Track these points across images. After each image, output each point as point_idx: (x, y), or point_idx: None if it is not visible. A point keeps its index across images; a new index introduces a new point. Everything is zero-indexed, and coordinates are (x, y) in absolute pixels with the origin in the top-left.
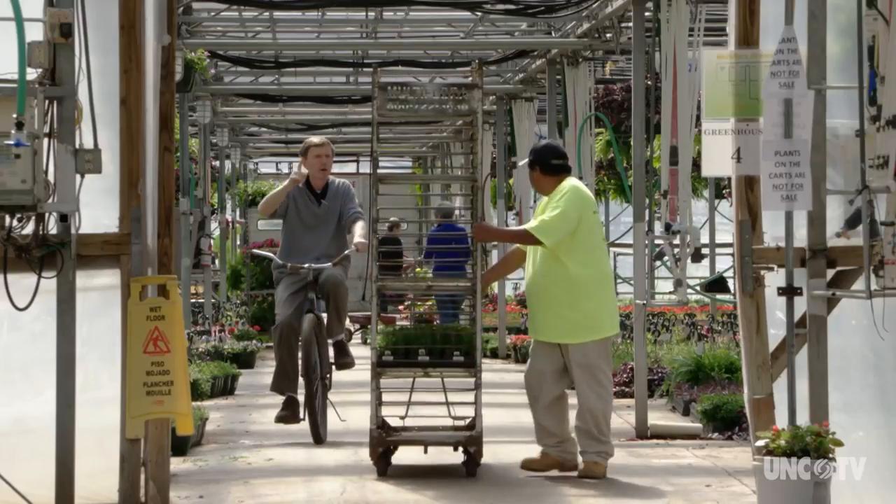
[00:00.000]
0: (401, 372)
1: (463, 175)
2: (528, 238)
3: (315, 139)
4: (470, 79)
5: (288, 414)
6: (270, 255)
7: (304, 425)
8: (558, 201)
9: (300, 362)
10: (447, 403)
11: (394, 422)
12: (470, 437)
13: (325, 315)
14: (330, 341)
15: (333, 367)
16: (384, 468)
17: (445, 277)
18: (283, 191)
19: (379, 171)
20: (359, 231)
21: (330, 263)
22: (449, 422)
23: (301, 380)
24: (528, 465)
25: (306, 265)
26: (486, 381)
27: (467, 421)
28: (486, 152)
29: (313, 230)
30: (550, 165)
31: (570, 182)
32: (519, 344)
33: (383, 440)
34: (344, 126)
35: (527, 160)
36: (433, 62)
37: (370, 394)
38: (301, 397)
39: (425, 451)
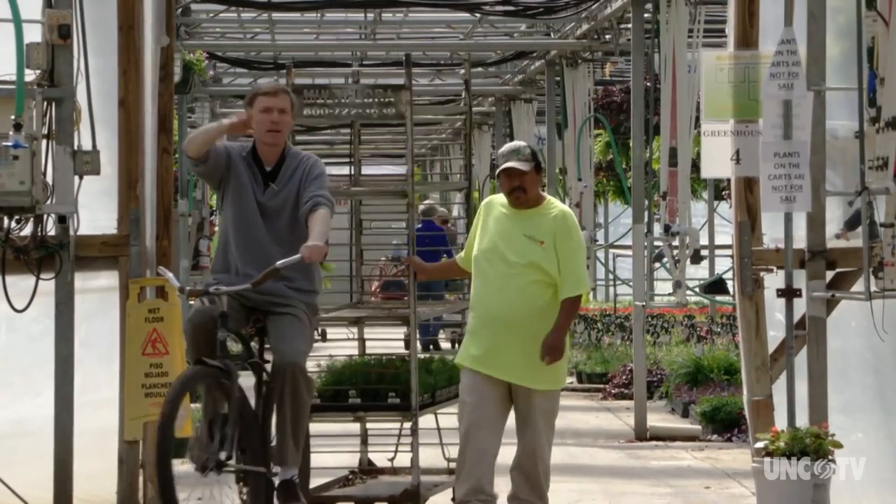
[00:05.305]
0: (328, 416)
1: (453, 182)
2: (577, 305)
3: (267, 84)
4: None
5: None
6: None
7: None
8: (574, 244)
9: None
10: (441, 444)
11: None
12: (406, 493)
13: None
14: (275, 476)
15: None
16: None
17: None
18: (217, 130)
19: (364, 177)
20: (316, 228)
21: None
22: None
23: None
24: None
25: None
26: None
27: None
28: (486, 154)
29: (256, 226)
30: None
31: (563, 206)
32: None
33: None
34: (343, 127)
35: (516, 165)
36: (432, 63)
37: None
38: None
39: None
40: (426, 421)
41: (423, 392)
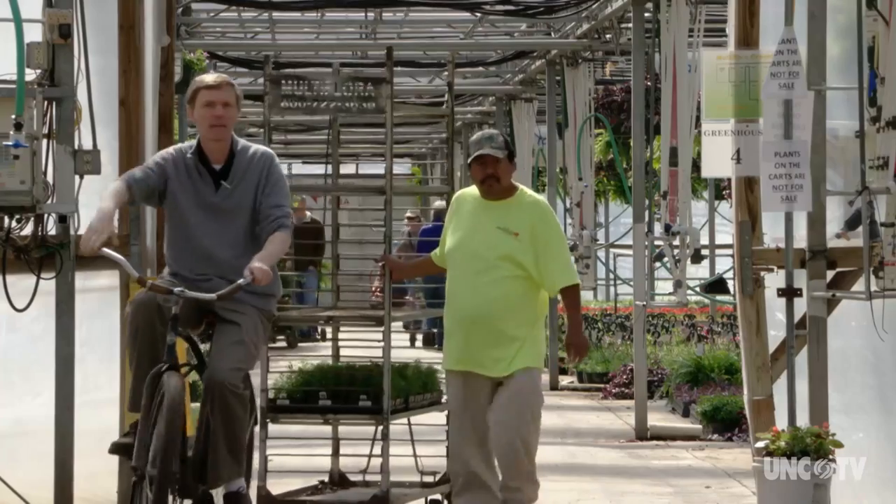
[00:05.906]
0: (297, 418)
1: (433, 186)
2: (578, 295)
3: (209, 77)
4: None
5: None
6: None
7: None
8: (554, 232)
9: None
10: (415, 455)
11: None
12: (375, 499)
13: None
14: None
15: None
16: None
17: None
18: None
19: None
20: (268, 248)
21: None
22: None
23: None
24: None
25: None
26: None
27: (437, 476)
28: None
29: (200, 231)
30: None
31: (537, 195)
32: None
33: None
34: (343, 126)
35: (489, 152)
36: (432, 63)
37: (259, 444)
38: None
39: None
40: (403, 430)
41: (396, 396)
